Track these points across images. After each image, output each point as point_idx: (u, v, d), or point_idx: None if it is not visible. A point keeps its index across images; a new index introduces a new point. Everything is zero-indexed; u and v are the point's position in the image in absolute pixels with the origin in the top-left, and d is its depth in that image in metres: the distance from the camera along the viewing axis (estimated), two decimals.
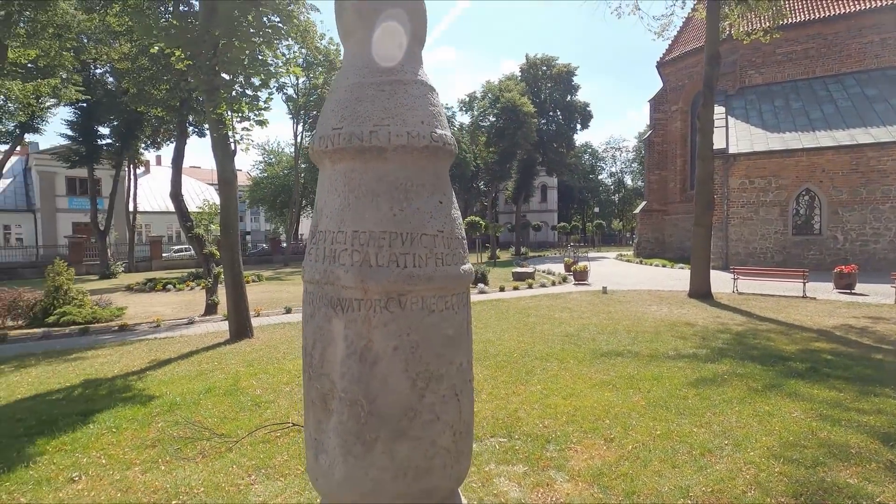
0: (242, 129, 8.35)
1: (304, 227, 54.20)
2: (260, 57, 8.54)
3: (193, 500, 3.28)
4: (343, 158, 1.84)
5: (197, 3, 12.18)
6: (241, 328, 8.90)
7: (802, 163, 19.38)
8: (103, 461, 3.88)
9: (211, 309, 12.48)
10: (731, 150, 20.30)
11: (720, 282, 14.53)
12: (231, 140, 8.77)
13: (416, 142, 1.82)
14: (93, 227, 27.30)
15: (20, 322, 11.90)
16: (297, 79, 30.33)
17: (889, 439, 3.90)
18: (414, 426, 1.80)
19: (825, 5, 23.71)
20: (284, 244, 40.91)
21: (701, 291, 12.80)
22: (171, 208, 41.09)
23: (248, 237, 53.34)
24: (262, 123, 8.46)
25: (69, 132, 26.47)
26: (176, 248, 36.94)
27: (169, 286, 19.72)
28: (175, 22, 8.07)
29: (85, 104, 23.73)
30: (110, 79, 25.31)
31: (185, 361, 7.33)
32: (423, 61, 2.05)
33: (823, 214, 19.28)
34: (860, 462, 3.54)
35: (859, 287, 13.53)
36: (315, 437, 1.92)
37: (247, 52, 8.58)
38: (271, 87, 9.25)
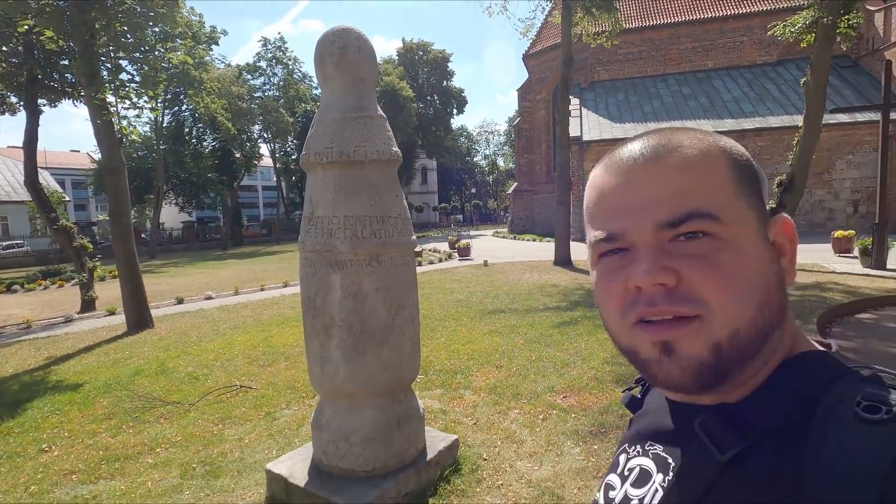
0: (134, 115, 8.17)
1: (166, 215, 48.67)
2: (147, 41, 8.35)
3: (175, 446, 3.89)
4: (334, 167, 2.75)
5: None
6: (141, 319, 8.80)
7: None
8: (65, 434, 4.22)
9: (88, 305, 11.66)
10: (585, 138, 23.57)
11: (579, 251, 17.24)
12: (117, 127, 8.49)
13: (383, 156, 2.79)
14: None
15: None
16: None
17: None
18: (391, 338, 2.83)
19: (654, 14, 28.19)
20: (145, 235, 37.03)
21: (563, 260, 15.21)
22: None
23: (96, 228, 45.24)
24: (154, 110, 8.34)
25: None
26: (5, 244, 31.63)
27: (15, 286, 17.37)
28: (48, 1, 7.56)
29: None
30: None
31: (90, 354, 7.25)
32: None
33: None
34: None
35: None
36: (320, 356, 2.84)
37: (129, 35, 8.35)
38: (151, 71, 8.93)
